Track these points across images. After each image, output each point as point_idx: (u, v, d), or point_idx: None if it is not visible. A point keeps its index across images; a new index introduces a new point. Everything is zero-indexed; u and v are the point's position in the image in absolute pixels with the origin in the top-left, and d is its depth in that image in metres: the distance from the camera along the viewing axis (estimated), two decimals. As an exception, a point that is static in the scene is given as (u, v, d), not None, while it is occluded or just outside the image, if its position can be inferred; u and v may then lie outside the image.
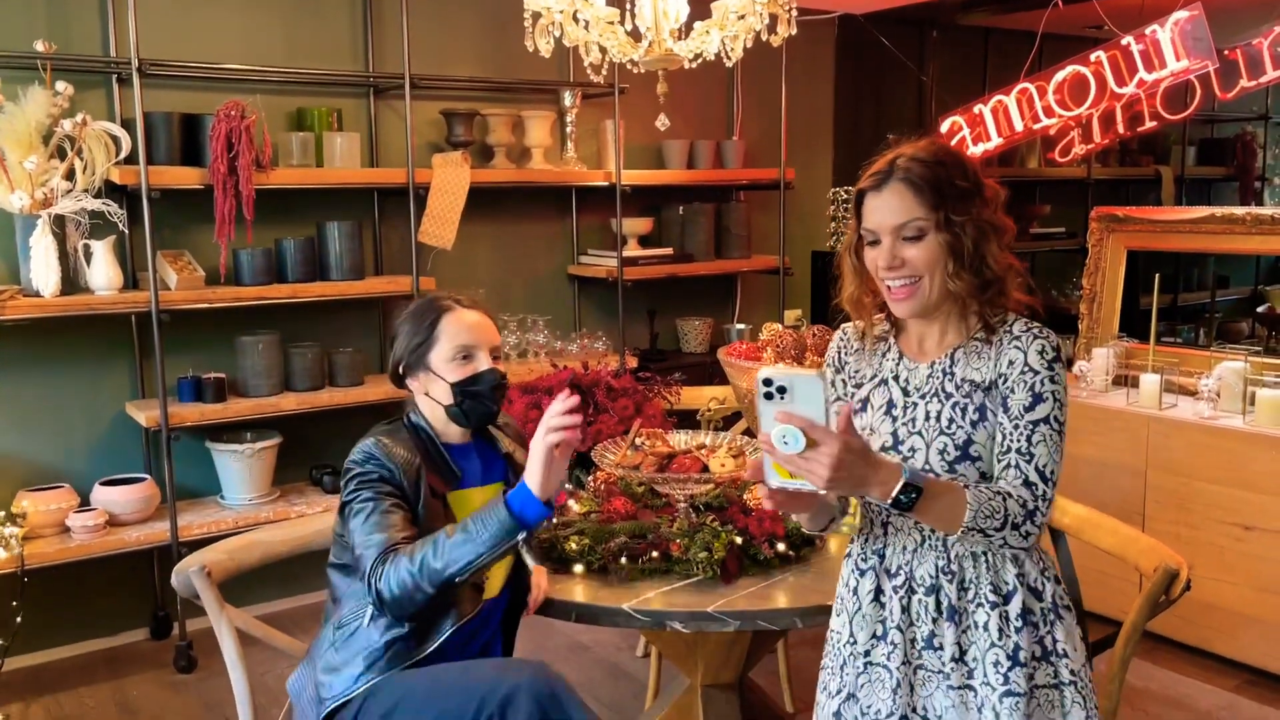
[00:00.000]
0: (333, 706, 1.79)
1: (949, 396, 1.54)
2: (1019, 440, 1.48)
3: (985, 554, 1.52)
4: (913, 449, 1.54)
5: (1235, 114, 6.67)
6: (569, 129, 4.30)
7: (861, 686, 1.59)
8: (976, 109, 4.37)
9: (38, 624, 3.36)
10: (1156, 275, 3.65)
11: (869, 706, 1.58)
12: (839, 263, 1.65)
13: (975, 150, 4.37)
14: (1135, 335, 3.90)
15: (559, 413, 1.66)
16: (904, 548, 1.57)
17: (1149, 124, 4.32)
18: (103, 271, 3.31)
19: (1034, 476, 1.46)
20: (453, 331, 1.87)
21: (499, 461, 1.98)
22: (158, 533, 3.39)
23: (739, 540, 2.02)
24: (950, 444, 1.51)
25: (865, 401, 1.63)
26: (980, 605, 1.52)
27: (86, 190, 3.26)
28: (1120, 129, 4.34)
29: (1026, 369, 1.49)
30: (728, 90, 4.89)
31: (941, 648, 1.53)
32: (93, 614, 3.59)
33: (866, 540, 1.63)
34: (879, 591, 1.59)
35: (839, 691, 1.62)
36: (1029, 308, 1.57)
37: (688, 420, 2.89)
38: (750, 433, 2.56)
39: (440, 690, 1.72)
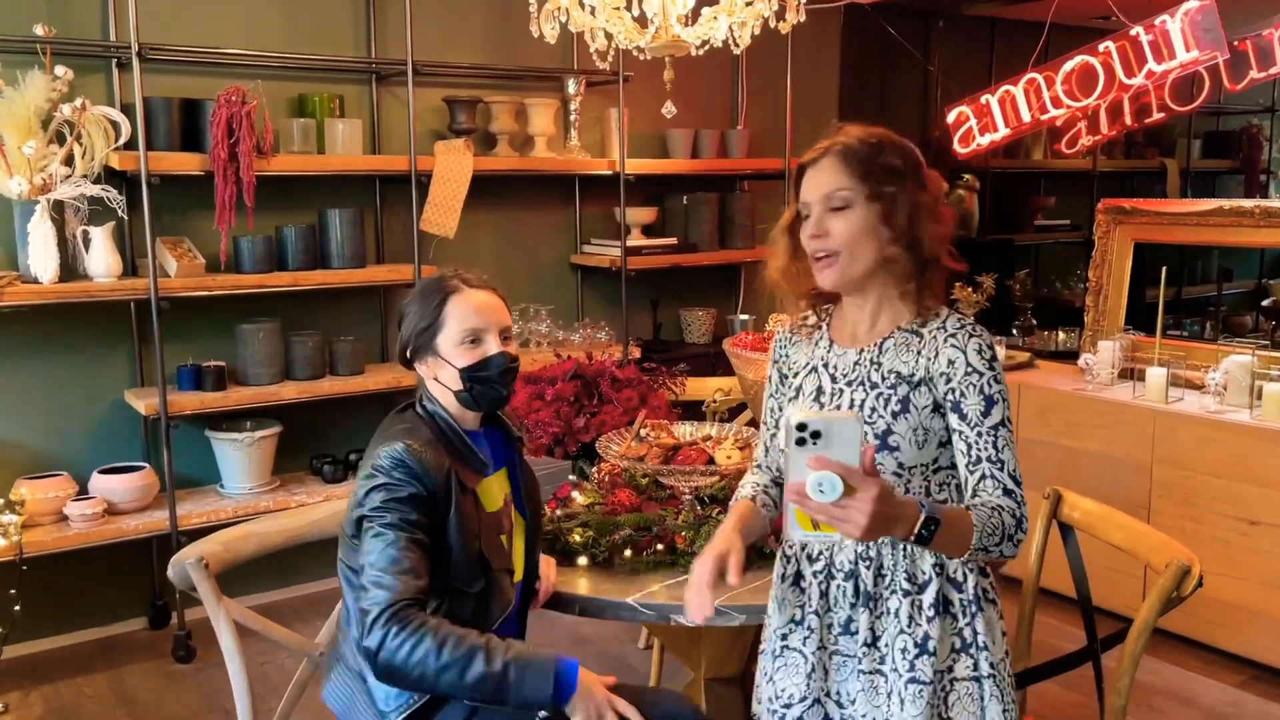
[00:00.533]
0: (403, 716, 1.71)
1: (874, 386, 1.55)
2: (987, 449, 1.48)
3: (903, 543, 1.52)
4: None
5: (1242, 106, 6.64)
6: (573, 117, 4.27)
7: (778, 670, 1.62)
8: (983, 99, 4.33)
9: (36, 613, 3.35)
10: (1164, 268, 3.63)
11: (783, 690, 1.61)
12: (772, 240, 1.67)
13: (982, 141, 4.34)
14: (1141, 328, 3.88)
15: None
16: None
17: (1156, 115, 4.28)
18: (101, 258, 3.28)
19: (1010, 484, 1.48)
20: (460, 314, 1.78)
21: (507, 447, 1.92)
22: (157, 521, 3.37)
23: (744, 533, 1.99)
24: (870, 433, 1.52)
25: (798, 390, 1.65)
26: (894, 592, 1.53)
27: (85, 176, 3.23)
28: (1128, 120, 4.31)
29: (971, 370, 1.50)
30: (732, 79, 4.85)
31: (856, 632, 1.55)
32: (91, 603, 3.57)
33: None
34: (799, 576, 1.62)
35: (763, 675, 1.65)
36: (958, 279, 1.61)
37: (693, 412, 2.86)
38: (755, 424, 2.53)
39: None
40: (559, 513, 2.13)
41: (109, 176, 3.31)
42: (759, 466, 1.79)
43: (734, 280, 5.00)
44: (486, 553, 1.74)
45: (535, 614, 1.97)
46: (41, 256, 3.18)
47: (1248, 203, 3.67)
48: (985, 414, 1.49)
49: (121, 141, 3.27)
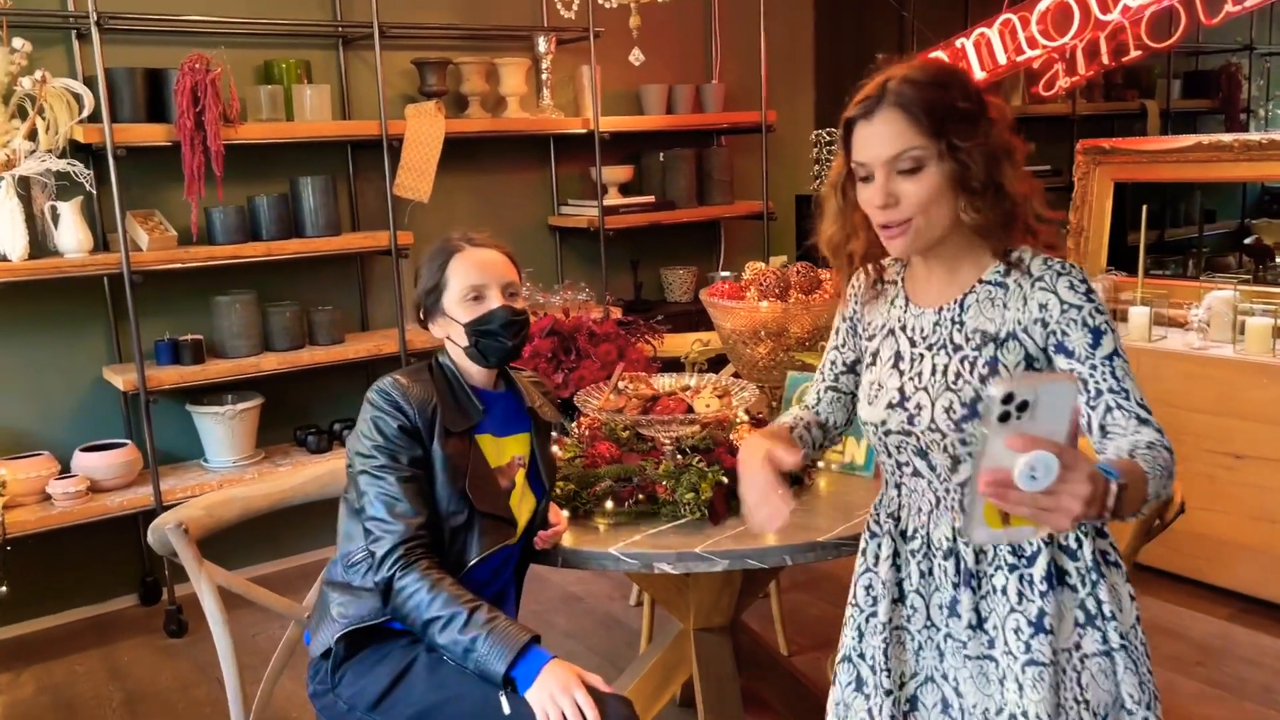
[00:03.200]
0: (351, 628, 1.75)
1: (957, 349, 1.41)
2: (1106, 379, 1.32)
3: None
4: (919, 406, 1.42)
5: (1220, 45, 6.60)
6: (544, 76, 4.21)
7: (885, 651, 1.49)
8: (959, 43, 4.28)
9: (23, 594, 3.33)
10: (1145, 206, 3.61)
11: (892, 670, 1.49)
12: (820, 201, 1.51)
13: (958, 86, 4.30)
14: (1123, 269, 3.87)
15: (586, 704, 1.59)
16: (919, 510, 1.48)
17: (1134, 53, 4.23)
18: (71, 234, 3.24)
19: (1143, 413, 1.31)
20: (462, 272, 1.83)
21: (523, 415, 1.93)
22: (141, 497, 3.35)
23: (725, 480, 1.98)
24: (956, 401, 1.38)
25: (875, 355, 1.52)
26: (999, 568, 1.40)
27: (51, 151, 3.17)
28: (1105, 60, 4.26)
29: (1068, 307, 1.34)
30: (705, 32, 4.80)
31: (960, 615, 1.43)
32: (79, 582, 3.56)
33: (880, 503, 1.55)
34: (896, 555, 1.51)
35: (860, 656, 1.53)
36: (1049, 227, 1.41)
37: (673, 368, 2.84)
38: (738, 375, 2.51)
39: (499, 708, 1.65)
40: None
41: (74, 150, 3.26)
42: (805, 408, 1.68)
43: (714, 237, 4.97)
44: (470, 493, 1.77)
45: (528, 577, 1.97)
46: (9, 234, 3.13)
47: (1227, 137, 3.65)
48: (1095, 345, 1.33)
49: (85, 114, 3.21)
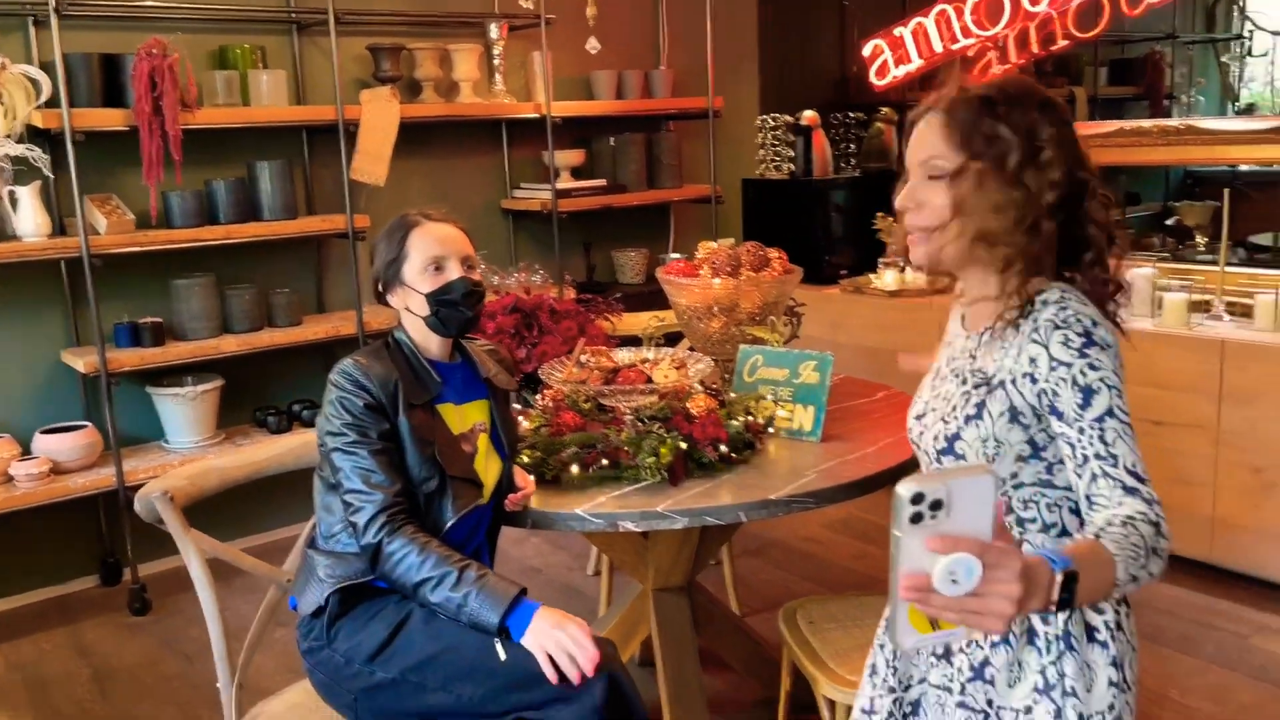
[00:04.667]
0: (342, 585, 1.83)
1: (964, 382, 1.38)
2: (1093, 444, 1.24)
3: None
4: (926, 425, 1.44)
5: (1145, 34, 6.86)
6: (496, 62, 4.30)
7: (896, 651, 1.50)
8: (897, 31, 4.46)
9: (-14, 574, 3.37)
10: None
11: (900, 670, 1.50)
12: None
13: (897, 73, 4.48)
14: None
15: (580, 649, 1.71)
16: None
17: (1061, 43, 4.44)
18: (30, 218, 3.27)
19: (1130, 480, 1.23)
20: (422, 244, 1.92)
21: (480, 383, 2.03)
22: (103, 478, 3.39)
23: (684, 445, 2.11)
24: (943, 433, 1.38)
25: (937, 363, 1.52)
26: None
27: (9, 136, 3.20)
28: (1034, 48, 4.46)
29: (1057, 364, 1.26)
30: (653, 19, 4.91)
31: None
32: (40, 564, 3.59)
33: None
34: None
35: (881, 646, 1.54)
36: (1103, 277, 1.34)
37: (630, 345, 2.96)
38: (693, 349, 2.64)
39: (493, 658, 1.75)
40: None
41: (31, 135, 3.28)
42: None
43: (664, 220, 5.09)
44: (440, 458, 1.86)
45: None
46: (-32, 218, 3.15)
47: (1147, 123, 3.87)
48: (1084, 406, 1.25)
49: (43, 100, 3.23)
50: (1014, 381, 1.31)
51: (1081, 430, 1.25)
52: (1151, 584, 1.16)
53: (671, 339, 3.12)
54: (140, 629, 3.37)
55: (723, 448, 2.14)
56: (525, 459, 2.13)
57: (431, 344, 1.97)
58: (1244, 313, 3.41)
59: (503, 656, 1.74)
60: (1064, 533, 1.35)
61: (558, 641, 1.71)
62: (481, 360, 2.07)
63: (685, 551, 2.44)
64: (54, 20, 3.17)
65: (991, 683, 1.36)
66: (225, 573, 2.11)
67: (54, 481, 3.33)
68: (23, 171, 3.26)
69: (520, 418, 2.33)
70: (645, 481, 2.08)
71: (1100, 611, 1.33)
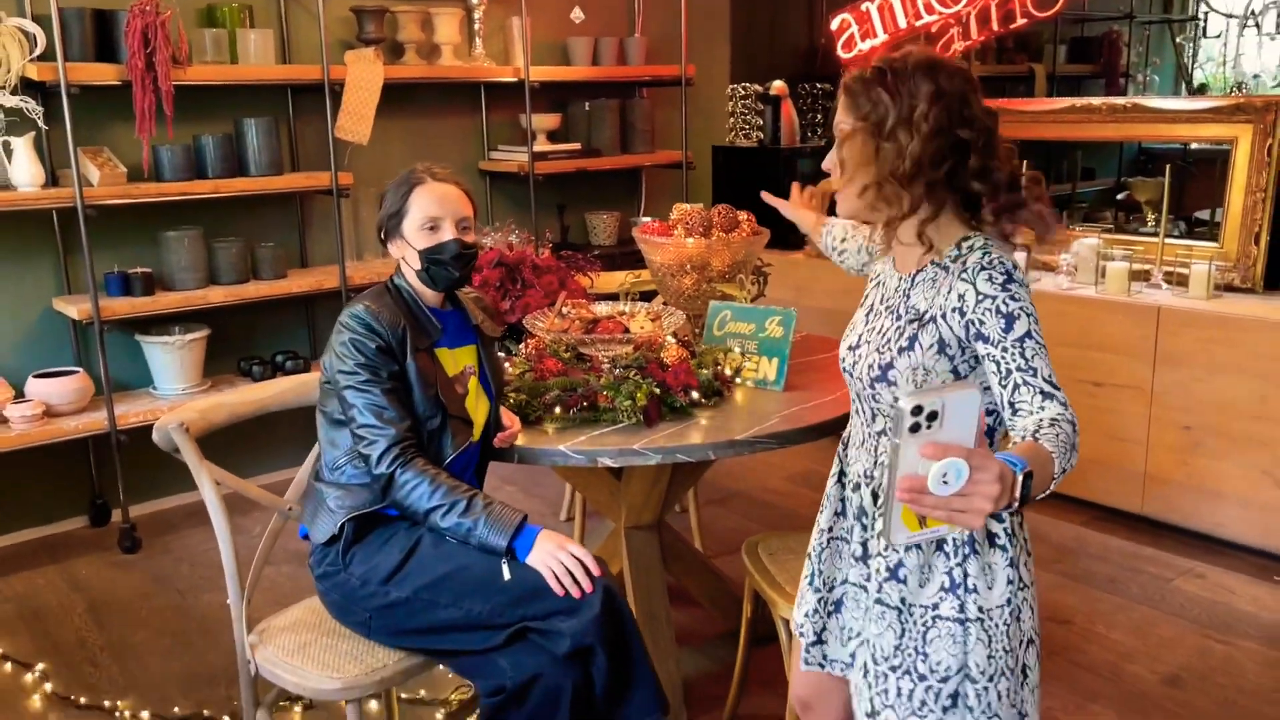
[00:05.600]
0: (354, 514, 1.99)
1: (897, 318, 1.56)
2: (1015, 359, 1.42)
3: None
4: (860, 355, 1.60)
5: (1103, 13, 7.07)
6: (477, 26, 4.42)
7: (821, 555, 1.71)
8: (864, 6, 4.62)
9: (-21, 513, 3.49)
10: (1025, 163, 4.00)
11: (825, 572, 1.71)
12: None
13: (864, 46, 4.65)
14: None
15: (576, 563, 1.91)
16: (856, 442, 1.68)
17: (1020, 21, 4.63)
18: (25, 168, 3.36)
19: (1048, 388, 1.40)
20: (422, 202, 2.06)
21: (470, 330, 2.18)
22: (96, 421, 3.52)
23: (658, 391, 2.29)
24: (877, 362, 1.55)
25: (864, 298, 1.69)
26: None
27: (3, 87, 3.29)
28: (995, 25, 4.65)
29: (982, 297, 1.44)
30: (629, -12, 5.04)
31: (851, 543, 1.65)
32: (30, 504, 3.72)
33: (847, 429, 1.75)
34: (842, 475, 1.72)
35: (810, 554, 1.75)
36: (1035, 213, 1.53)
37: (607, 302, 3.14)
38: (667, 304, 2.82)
39: (498, 575, 1.93)
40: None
41: (25, 88, 3.37)
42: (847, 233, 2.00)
43: (636, 184, 5.25)
44: (442, 396, 2.04)
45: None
46: (-36, 167, 3.25)
47: (1096, 100, 4.08)
48: (1006, 330, 1.42)
49: (37, 53, 3.32)
50: (944, 316, 1.48)
51: (1005, 350, 1.42)
52: (1071, 474, 1.33)
53: (645, 298, 3.30)
54: (131, 565, 3.52)
55: (695, 394, 2.32)
56: (511, 399, 2.30)
57: (427, 293, 2.13)
58: (1180, 282, 3.65)
59: (507, 576, 1.93)
60: None
61: (561, 560, 1.91)
62: (471, 308, 2.23)
63: (656, 492, 2.63)
64: (50, -25, 3.26)
65: (904, 582, 1.54)
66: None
67: (47, 424, 3.46)
68: (15, 123, 3.35)
69: (505, 364, 2.50)
70: (622, 424, 2.26)
71: (1000, 520, 1.51)
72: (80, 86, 3.37)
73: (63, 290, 3.69)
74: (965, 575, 1.50)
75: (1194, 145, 5.20)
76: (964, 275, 1.46)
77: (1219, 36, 7.60)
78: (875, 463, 1.61)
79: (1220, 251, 3.66)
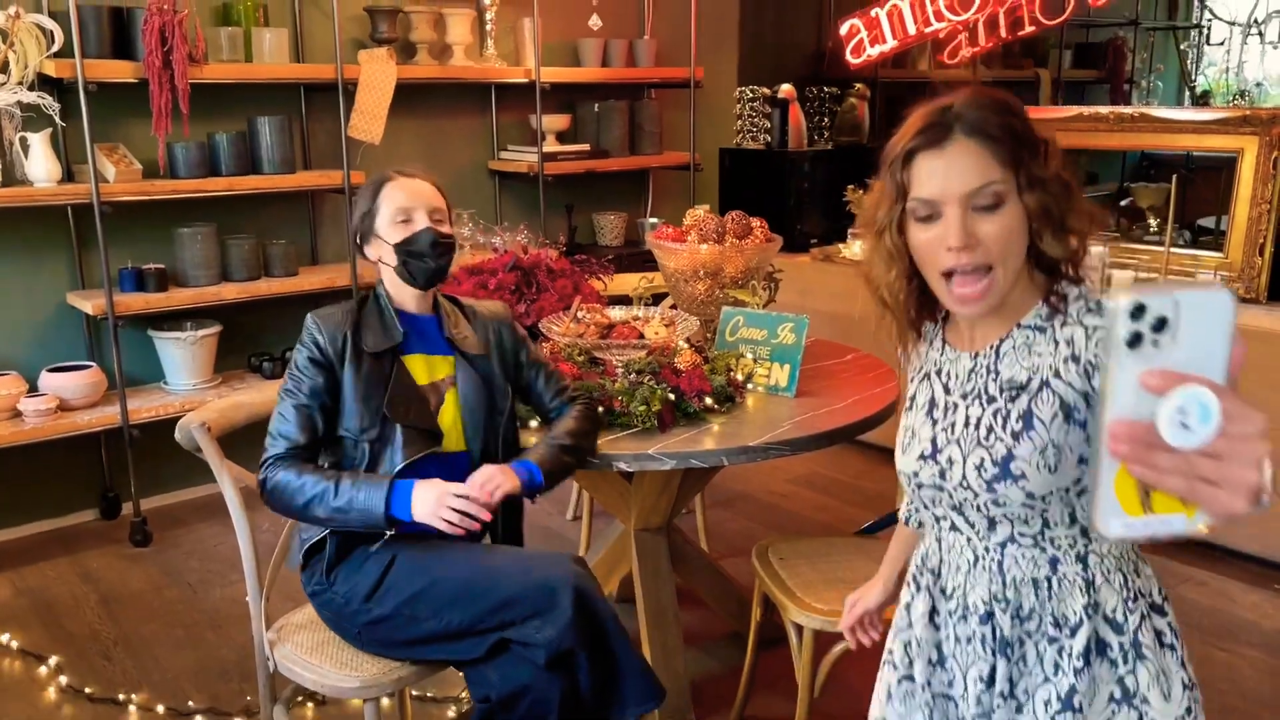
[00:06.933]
0: (313, 541, 2.03)
1: (991, 400, 1.29)
2: None
3: (1049, 579, 1.29)
4: (950, 460, 1.32)
5: (1109, 19, 7.11)
6: (488, 27, 4.44)
7: (931, 717, 1.40)
8: (873, 13, 4.66)
9: (-8, 505, 3.52)
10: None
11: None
12: (870, 249, 1.34)
13: (872, 52, 4.68)
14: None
15: (461, 501, 1.88)
16: (957, 568, 1.36)
17: (1029, 28, 4.66)
18: (41, 164, 3.39)
19: None
20: (392, 197, 2.05)
21: (445, 338, 2.13)
22: (108, 416, 3.55)
23: (672, 396, 2.33)
24: (988, 459, 1.26)
25: (912, 400, 1.41)
26: (1038, 639, 1.30)
27: (20, 83, 3.31)
28: (1003, 32, 4.68)
29: (1095, 329, 1.22)
30: (639, -10, 5.07)
31: (994, 683, 1.32)
32: (42, 497, 3.75)
33: (924, 555, 1.43)
34: (934, 613, 1.39)
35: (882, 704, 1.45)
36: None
37: (620, 305, 3.17)
38: (676, 307, 2.85)
39: (471, 585, 1.93)
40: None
41: (41, 84, 3.40)
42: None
43: (643, 185, 5.28)
44: (388, 409, 2.00)
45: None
46: (-19, 163, 3.27)
47: (1104, 109, 4.11)
48: None
49: (54, 49, 3.35)
50: (1057, 375, 1.24)
51: None
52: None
53: (657, 300, 3.33)
54: (142, 559, 3.55)
55: (708, 400, 2.36)
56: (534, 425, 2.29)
57: (406, 296, 2.09)
58: (1184, 291, 3.67)
59: (388, 533, 1.95)
60: None
61: (445, 507, 1.89)
62: (451, 318, 2.15)
63: (666, 495, 2.67)
64: (69, -27, 3.29)
65: (1080, 711, 1.27)
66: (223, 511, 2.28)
67: (61, 418, 3.49)
68: (31, 119, 3.38)
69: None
70: (637, 428, 2.29)
71: (1164, 614, 1.32)
72: (97, 83, 3.40)
73: (77, 285, 3.72)
74: (1138, 684, 1.27)
75: (1196, 152, 5.26)
76: (1068, 321, 1.25)
77: (1222, 44, 7.64)
78: (1006, 582, 1.31)
79: (1225, 262, 3.70)
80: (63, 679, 2.82)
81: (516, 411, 2.21)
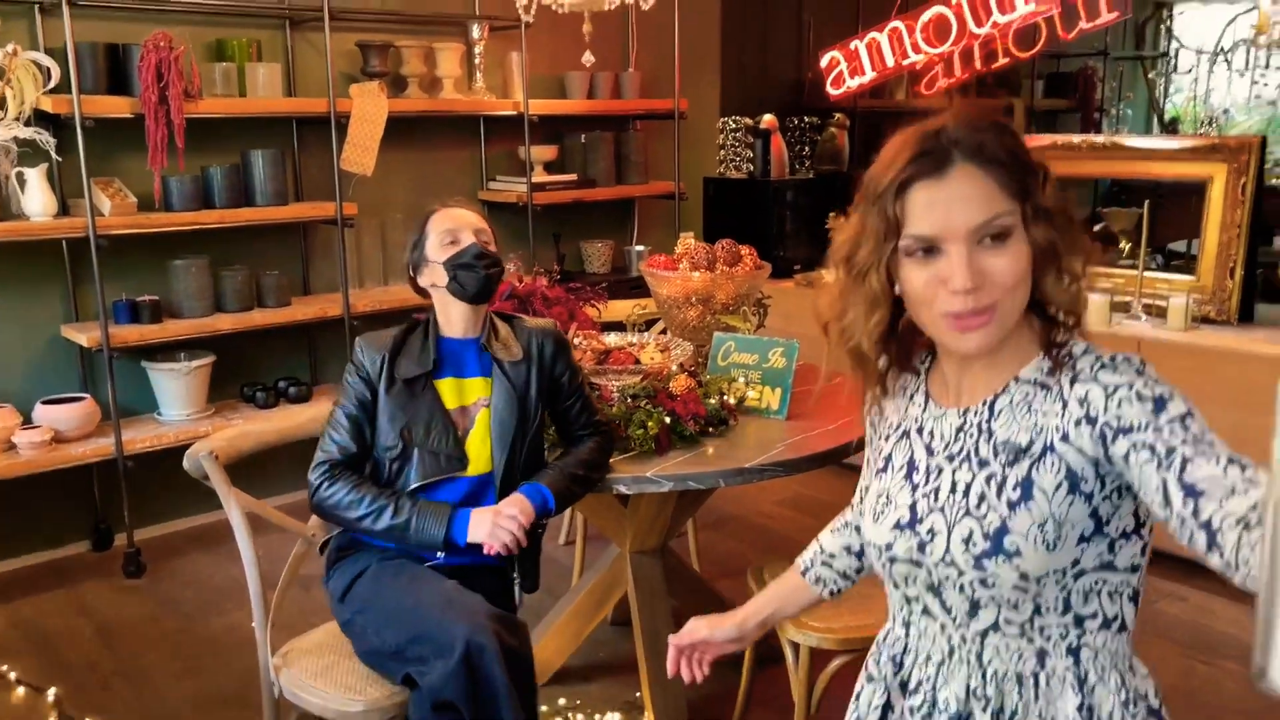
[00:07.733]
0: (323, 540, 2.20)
1: (983, 464, 1.13)
2: (1176, 435, 1.01)
3: (1035, 675, 1.14)
4: (931, 530, 1.15)
5: (1079, 50, 7.28)
6: (477, 60, 4.53)
7: None
8: (853, 45, 4.77)
9: (-15, 538, 3.53)
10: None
11: None
12: (840, 281, 1.20)
13: (852, 83, 4.79)
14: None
15: (510, 533, 2.01)
16: (927, 658, 1.21)
17: (1002, 60, 4.79)
18: (38, 198, 3.43)
19: (1237, 457, 0.99)
20: (439, 224, 2.20)
21: (490, 360, 2.20)
22: (103, 447, 3.57)
23: (668, 420, 2.39)
24: (978, 531, 1.10)
25: (888, 460, 1.24)
26: None
27: (17, 119, 3.36)
28: (978, 64, 4.81)
29: (1115, 388, 1.06)
30: (624, 23, 5.16)
31: None
32: (34, 529, 3.76)
33: (884, 641, 1.29)
34: (888, 710, 1.25)
35: None
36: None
37: (613, 331, 3.24)
38: (665, 331, 2.91)
39: (401, 611, 2.00)
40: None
41: (37, 119, 3.44)
42: (834, 530, 1.45)
43: (629, 213, 5.36)
44: (409, 430, 2.11)
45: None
46: (-23, 198, 3.31)
47: (1076, 138, 4.23)
48: (1157, 411, 1.03)
49: (51, 86, 3.40)
50: (1065, 437, 1.08)
51: (1158, 430, 1.02)
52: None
53: (648, 327, 3.40)
54: (137, 590, 3.56)
55: (703, 423, 2.42)
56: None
57: (455, 318, 2.18)
58: (1159, 313, 3.78)
59: (440, 556, 2.09)
60: (1123, 627, 1.16)
61: (494, 529, 2.02)
62: (498, 331, 2.22)
63: (662, 517, 2.72)
64: (66, 9, 3.34)
65: None
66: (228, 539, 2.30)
67: (55, 449, 3.51)
68: (27, 154, 3.42)
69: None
70: (633, 451, 2.35)
71: (1157, 691, 1.21)
72: (94, 119, 3.45)
73: (71, 318, 3.75)
74: None
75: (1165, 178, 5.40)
76: (1082, 378, 1.09)
77: (1190, 72, 7.83)
78: (986, 677, 1.16)
79: (1196, 285, 3.80)
80: (62, 711, 2.83)
81: (545, 422, 2.27)
